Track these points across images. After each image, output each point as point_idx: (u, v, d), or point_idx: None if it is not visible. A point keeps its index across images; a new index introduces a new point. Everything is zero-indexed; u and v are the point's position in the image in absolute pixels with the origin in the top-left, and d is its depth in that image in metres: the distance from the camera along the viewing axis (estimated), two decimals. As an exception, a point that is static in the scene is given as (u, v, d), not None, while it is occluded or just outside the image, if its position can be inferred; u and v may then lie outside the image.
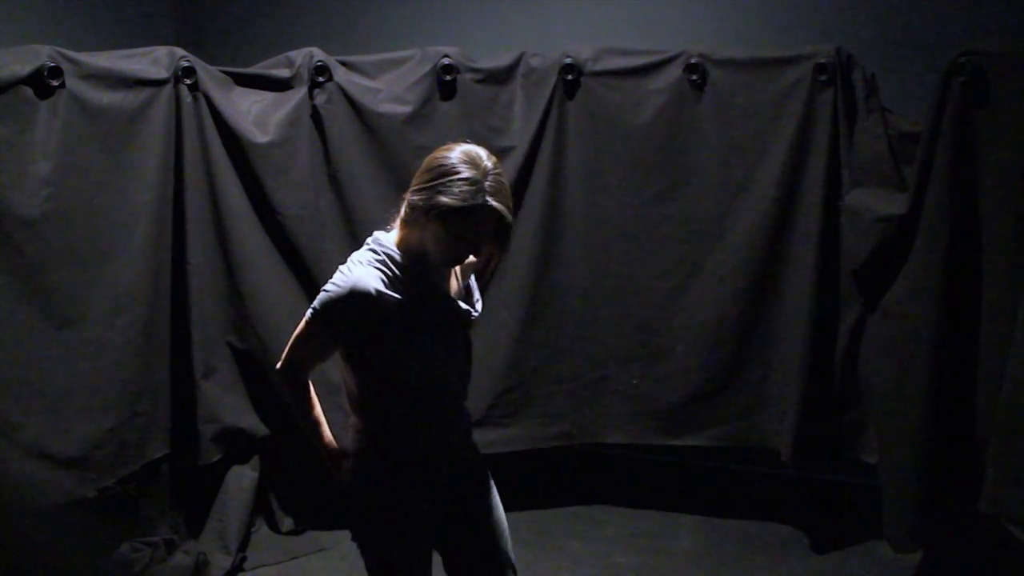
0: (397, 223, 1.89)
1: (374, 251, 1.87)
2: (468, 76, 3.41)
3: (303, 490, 3.54)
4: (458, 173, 1.73)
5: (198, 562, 3.08)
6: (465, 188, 1.72)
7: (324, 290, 1.85)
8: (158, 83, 3.05)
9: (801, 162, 3.22)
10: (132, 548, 3.01)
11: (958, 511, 2.86)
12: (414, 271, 1.86)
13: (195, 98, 3.14)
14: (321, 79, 3.31)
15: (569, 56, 3.37)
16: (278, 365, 2.02)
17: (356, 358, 1.92)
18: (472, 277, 2.09)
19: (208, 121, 3.17)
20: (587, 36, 3.76)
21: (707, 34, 3.77)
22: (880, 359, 3.01)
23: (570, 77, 3.36)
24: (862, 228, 3.00)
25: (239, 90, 3.35)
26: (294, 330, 1.99)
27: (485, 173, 1.74)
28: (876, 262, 2.98)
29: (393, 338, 1.84)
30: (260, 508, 3.44)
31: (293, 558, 3.31)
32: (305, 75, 3.33)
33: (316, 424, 2.04)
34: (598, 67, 3.37)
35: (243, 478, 3.33)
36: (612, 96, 3.37)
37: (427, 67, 3.39)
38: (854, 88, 3.15)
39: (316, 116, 3.33)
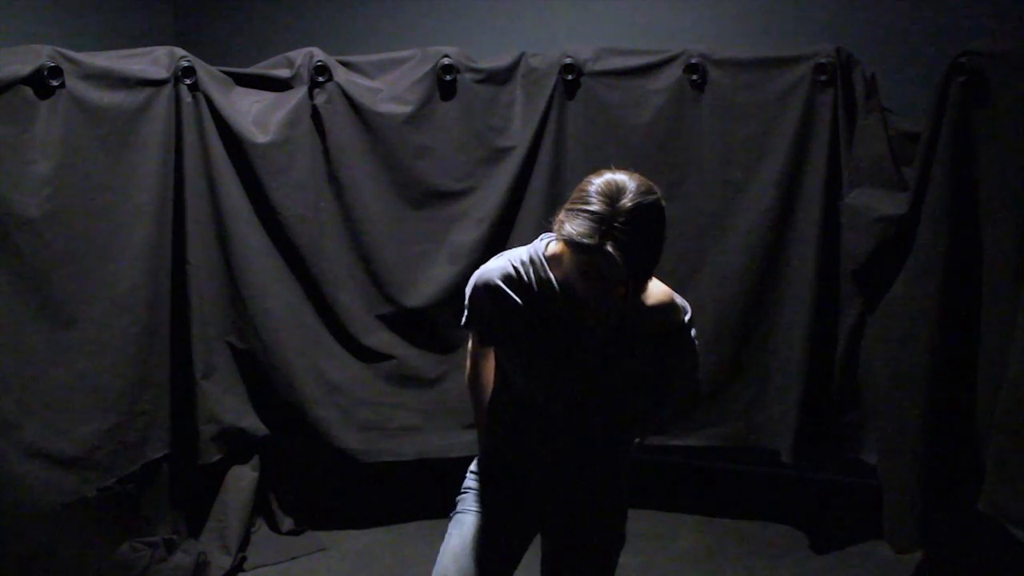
0: None
1: (527, 250, 1.86)
2: (468, 76, 3.41)
3: (303, 490, 3.55)
4: (588, 205, 1.61)
5: (198, 562, 3.08)
6: (588, 224, 1.60)
7: None
8: (158, 83, 3.05)
9: (801, 162, 3.22)
10: (132, 548, 3.00)
11: (958, 511, 2.86)
12: (553, 285, 1.80)
13: (195, 98, 3.14)
14: (321, 79, 3.31)
15: (569, 56, 3.37)
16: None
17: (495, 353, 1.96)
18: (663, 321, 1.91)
19: (208, 121, 3.17)
20: (587, 36, 3.76)
21: (707, 34, 3.77)
22: (880, 359, 3.01)
23: (570, 77, 3.36)
24: (862, 228, 3.00)
25: (239, 90, 3.35)
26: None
27: (616, 213, 1.59)
28: (876, 262, 2.98)
29: (503, 338, 1.85)
30: (260, 508, 3.44)
31: (293, 558, 3.31)
32: (305, 75, 3.33)
33: (476, 405, 2.06)
34: (598, 67, 3.37)
35: (243, 478, 3.33)
36: (612, 96, 3.37)
37: (427, 67, 3.39)
38: (854, 88, 3.15)
39: (316, 116, 3.33)
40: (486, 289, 1.82)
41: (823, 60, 3.14)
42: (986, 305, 2.72)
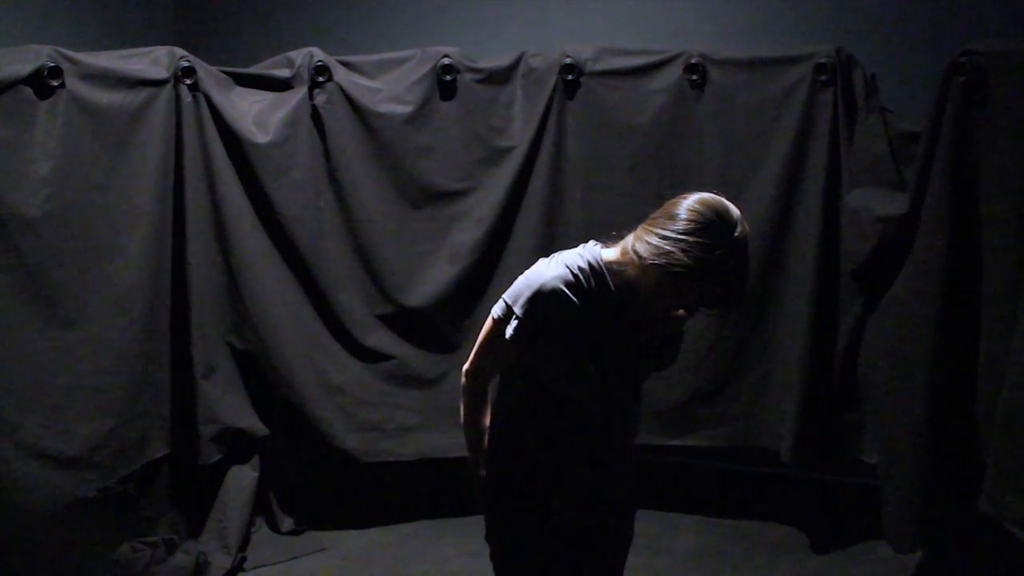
0: (619, 247, 1.79)
1: (581, 256, 1.80)
2: (468, 76, 3.41)
3: (303, 490, 3.54)
4: (706, 233, 1.60)
5: (198, 562, 3.08)
6: (708, 253, 1.60)
7: (515, 284, 1.81)
8: (158, 83, 3.05)
9: (801, 162, 3.22)
10: (132, 548, 3.01)
11: (958, 511, 2.86)
12: (612, 294, 1.77)
13: (195, 98, 3.14)
14: (321, 79, 3.31)
15: (569, 56, 3.37)
16: (465, 367, 1.95)
17: (518, 362, 1.87)
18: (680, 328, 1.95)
19: (208, 121, 3.17)
20: (587, 36, 3.76)
21: (707, 34, 3.77)
22: (880, 359, 3.01)
23: (570, 77, 3.36)
24: (862, 228, 3.00)
25: (239, 90, 3.35)
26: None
27: (735, 240, 1.61)
28: (876, 262, 2.98)
29: (557, 345, 1.79)
30: (260, 508, 3.44)
31: (293, 558, 3.31)
32: (305, 75, 3.33)
33: (479, 435, 1.98)
34: (598, 67, 3.37)
35: (243, 478, 3.33)
36: (612, 96, 3.37)
37: (427, 67, 3.39)
38: (854, 88, 3.15)
39: (316, 116, 3.33)
40: (552, 296, 1.75)
41: (823, 60, 3.14)
42: (986, 305, 2.71)
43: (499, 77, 3.44)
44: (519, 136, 3.42)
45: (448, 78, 3.38)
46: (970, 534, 3.05)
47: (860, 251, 3.02)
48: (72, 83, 2.82)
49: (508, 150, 3.43)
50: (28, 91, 2.73)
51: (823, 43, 3.24)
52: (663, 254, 1.62)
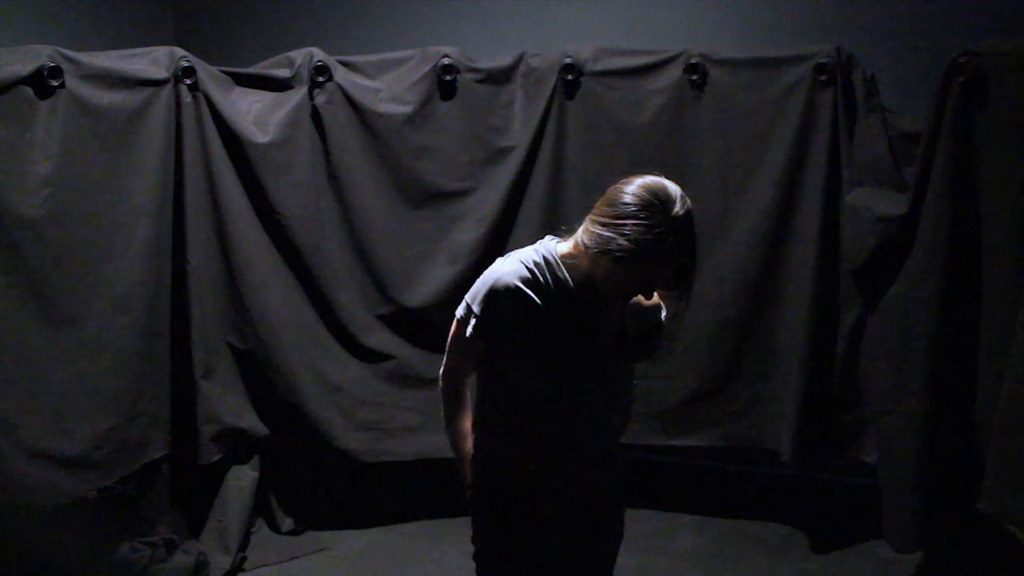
0: (572, 239, 1.80)
1: (536, 251, 1.83)
2: (468, 76, 3.41)
3: (303, 490, 3.55)
4: (643, 215, 1.61)
5: (198, 562, 3.08)
6: (648, 235, 1.60)
7: (475, 283, 1.84)
8: (158, 83, 3.05)
9: (801, 162, 3.22)
10: (132, 548, 3.01)
11: (958, 511, 2.86)
12: (569, 287, 1.79)
13: (195, 98, 3.15)
14: (321, 79, 3.32)
15: (569, 56, 3.37)
16: (440, 369, 1.99)
17: (485, 359, 1.89)
18: (658, 319, 1.93)
19: (208, 121, 3.17)
20: (587, 36, 3.77)
21: (707, 34, 3.77)
22: (880, 359, 3.01)
23: (570, 77, 3.36)
24: (862, 228, 3.00)
25: (239, 90, 3.35)
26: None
27: (674, 223, 1.61)
28: (876, 262, 2.98)
29: (519, 342, 1.81)
30: (260, 508, 3.44)
31: (293, 558, 3.31)
32: (305, 75, 3.33)
33: (460, 435, 2.01)
34: (598, 67, 3.37)
35: (243, 478, 3.33)
36: (612, 96, 3.37)
37: (427, 67, 3.39)
38: (854, 88, 3.15)
39: (316, 116, 3.33)
40: (507, 292, 1.78)
41: (823, 60, 3.14)
42: (986, 305, 2.71)
43: (499, 77, 3.45)
44: (519, 136, 3.42)
45: (448, 78, 3.39)
46: (970, 534, 3.04)
47: (860, 251, 3.03)
48: (72, 83, 2.82)
49: (508, 150, 3.43)
50: (28, 91, 2.72)
51: (823, 43, 3.23)
52: (605, 241, 1.65)
